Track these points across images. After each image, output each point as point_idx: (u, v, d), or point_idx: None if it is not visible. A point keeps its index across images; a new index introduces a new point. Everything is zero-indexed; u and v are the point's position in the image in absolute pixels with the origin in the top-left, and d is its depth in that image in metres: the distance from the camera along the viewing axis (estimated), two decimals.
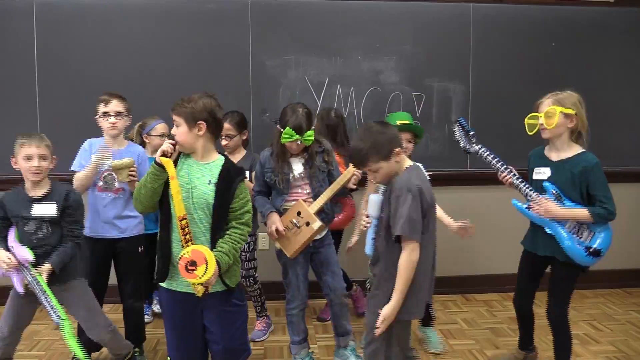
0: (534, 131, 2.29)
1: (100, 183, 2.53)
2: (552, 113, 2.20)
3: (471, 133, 2.45)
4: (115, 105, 2.52)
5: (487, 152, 2.39)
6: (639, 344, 2.90)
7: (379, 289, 1.93)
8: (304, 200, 2.45)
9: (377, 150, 1.85)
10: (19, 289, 2.12)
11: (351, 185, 2.45)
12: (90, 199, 2.54)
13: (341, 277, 2.58)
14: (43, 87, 3.34)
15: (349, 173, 2.39)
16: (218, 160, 1.95)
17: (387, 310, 1.84)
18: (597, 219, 2.14)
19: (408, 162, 1.95)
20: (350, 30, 3.48)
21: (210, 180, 1.89)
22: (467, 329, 3.12)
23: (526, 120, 2.34)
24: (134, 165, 2.46)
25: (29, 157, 2.19)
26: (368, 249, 2.01)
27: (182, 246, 1.84)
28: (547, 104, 2.23)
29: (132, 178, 2.44)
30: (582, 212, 2.15)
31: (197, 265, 1.76)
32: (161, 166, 1.84)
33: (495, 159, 2.36)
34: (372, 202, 1.96)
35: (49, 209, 2.20)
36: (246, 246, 2.91)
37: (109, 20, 3.34)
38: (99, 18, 3.33)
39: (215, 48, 3.41)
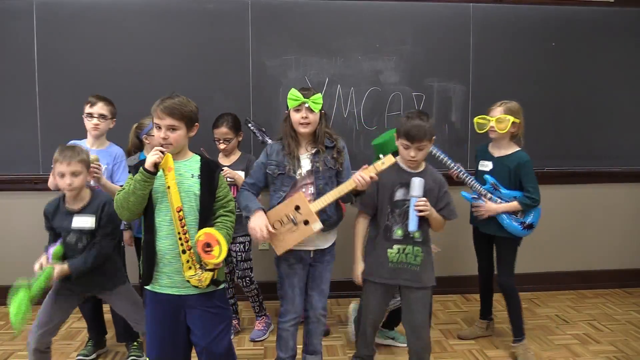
0: (484, 130, 2.71)
1: None
2: (503, 119, 2.64)
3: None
4: (99, 108, 2.62)
5: (440, 152, 2.70)
6: (639, 344, 2.90)
7: (428, 262, 2.27)
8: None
9: (433, 132, 2.21)
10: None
11: (360, 186, 2.12)
12: None
13: (326, 296, 2.38)
14: (43, 87, 3.34)
15: (358, 180, 2.11)
16: (194, 157, 2.05)
17: (433, 210, 2.19)
18: (525, 207, 2.65)
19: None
20: (350, 30, 3.49)
21: (193, 174, 1.99)
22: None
23: (476, 120, 2.75)
24: (97, 162, 2.43)
25: (61, 175, 2.19)
26: (413, 226, 2.16)
27: (180, 237, 1.89)
28: (499, 111, 2.65)
29: (95, 175, 2.39)
30: (514, 205, 2.65)
31: (212, 246, 1.87)
32: (150, 172, 1.86)
33: (446, 157, 2.69)
34: (417, 183, 2.15)
35: (87, 222, 2.22)
36: (242, 246, 2.91)
37: (109, 20, 3.34)
38: (99, 18, 3.33)
39: (215, 48, 3.41)
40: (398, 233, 2.23)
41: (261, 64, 3.44)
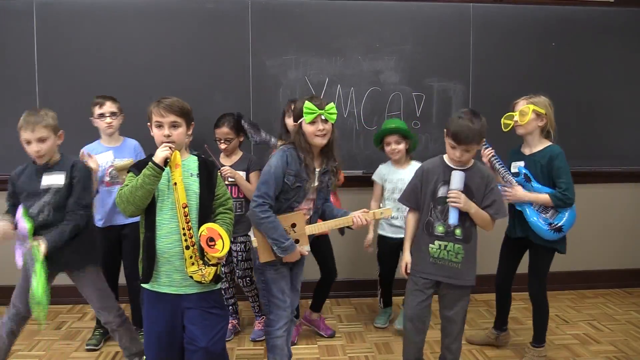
0: (509, 129, 2.59)
1: (107, 178, 2.72)
2: (525, 111, 2.50)
3: None
4: (109, 107, 2.76)
5: None
6: (639, 344, 2.90)
7: (469, 262, 2.23)
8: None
9: (483, 135, 2.16)
10: (19, 263, 2.15)
11: (355, 226, 2.23)
12: (99, 193, 2.72)
13: (298, 296, 2.44)
14: (43, 87, 3.34)
15: (356, 220, 2.21)
16: (192, 157, 2.07)
17: (469, 203, 2.16)
18: (556, 203, 2.43)
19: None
20: (350, 30, 3.48)
21: (192, 173, 2.00)
22: (467, 329, 3.10)
23: (502, 120, 2.63)
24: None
25: (27, 142, 2.21)
26: (453, 219, 2.17)
27: (184, 233, 1.90)
28: (522, 104, 2.55)
29: None
30: (543, 197, 2.45)
31: (215, 241, 1.91)
32: (160, 167, 1.87)
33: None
34: (456, 177, 2.16)
35: (57, 179, 2.21)
36: (242, 246, 2.92)
37: (109, 20, 3.34)
38: (99, 18, 3.33)
39: (215, 48, 3.41)
40: (439, 229, 2.23)
41: (261, 64, 3.44)
